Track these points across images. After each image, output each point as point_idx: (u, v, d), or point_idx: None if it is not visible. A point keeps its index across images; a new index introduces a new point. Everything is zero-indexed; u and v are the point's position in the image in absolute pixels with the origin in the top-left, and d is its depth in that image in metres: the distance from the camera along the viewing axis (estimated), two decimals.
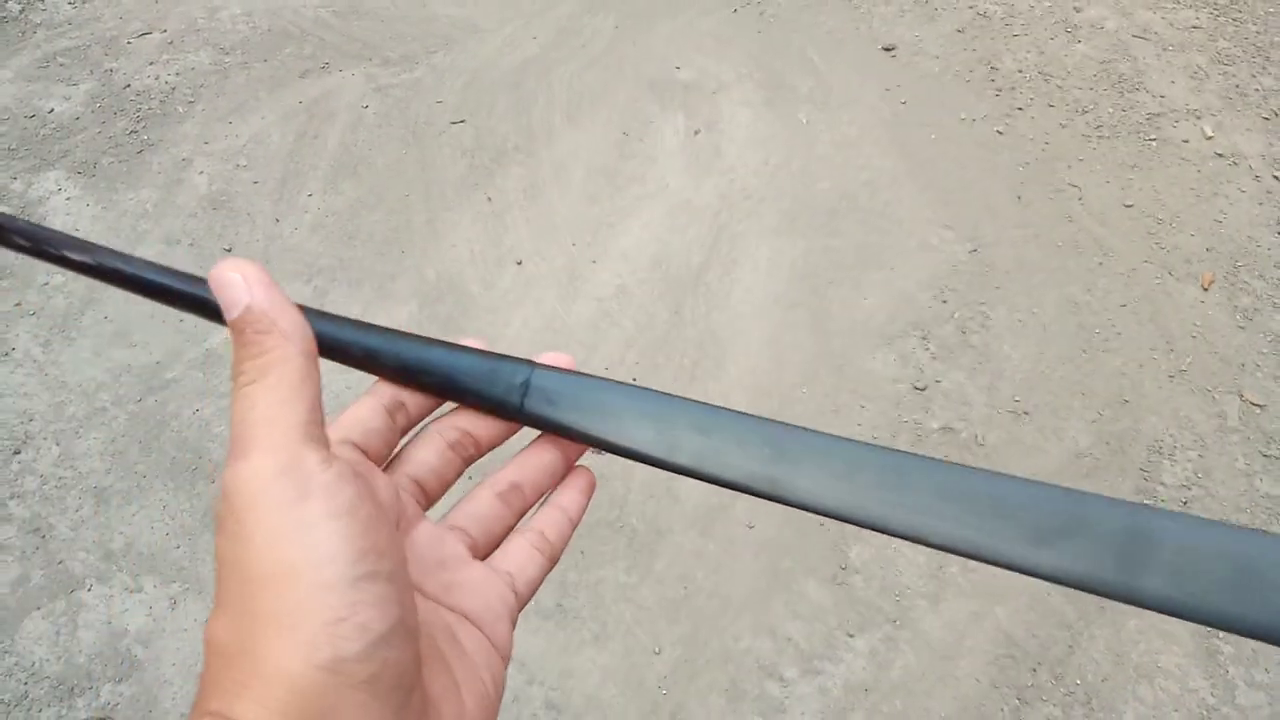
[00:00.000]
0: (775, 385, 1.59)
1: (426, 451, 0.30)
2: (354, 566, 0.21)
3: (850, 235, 1.81)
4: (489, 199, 1.88)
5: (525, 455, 0.32)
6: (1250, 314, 1.70)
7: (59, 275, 1.76)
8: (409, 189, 1.90)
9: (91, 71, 2.12)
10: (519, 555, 0.30)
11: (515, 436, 0.33)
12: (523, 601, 0.30)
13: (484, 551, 0.31)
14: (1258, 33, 2.18)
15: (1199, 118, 2.01)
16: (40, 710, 1.28)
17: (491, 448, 0.32)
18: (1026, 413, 1.56)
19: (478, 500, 0.31)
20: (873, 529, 0.29)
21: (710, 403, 0.31)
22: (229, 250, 1.80)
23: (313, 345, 0.24)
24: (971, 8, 2.27)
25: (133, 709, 1.28)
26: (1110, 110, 2.03)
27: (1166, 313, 1.70)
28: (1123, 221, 1.84)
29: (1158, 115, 2.02)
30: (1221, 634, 1.33)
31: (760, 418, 0.31)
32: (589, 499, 0.33)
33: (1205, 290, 1.73)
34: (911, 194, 1.89)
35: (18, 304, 1.71)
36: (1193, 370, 1.62)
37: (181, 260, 1.78)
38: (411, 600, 0.23)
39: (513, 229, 1.83)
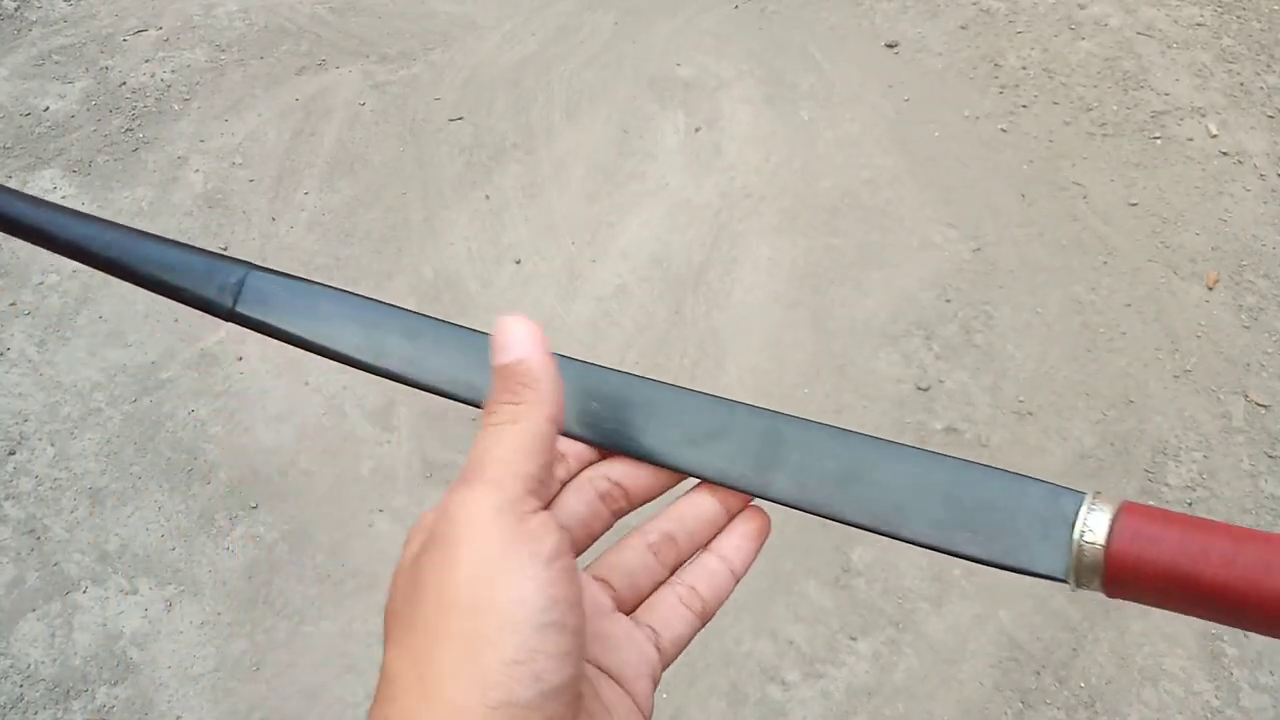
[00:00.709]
0: (776, 385, 1.58)
1: (576, 500, 0.29)
2: (543, 613, 0.22)
3: (852, 234, 1.80)
4: (487, 197, 1.87)
5: (682, 504, 0.30)
6: (1255, 313, 1.68)
7: (54, 275, 1.75)
8: (406, 187, 1.89)
9: (87, 69, 2.11)
10: (666, 610, 0.29)
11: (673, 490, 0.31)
12: (667, 660, 0.28)
13: (629, 605, 0.29)
14: (1263, 30, 2.17)
15: (1204, 116, 2.00)
16: (35, 713, 1.27)
17: (644, 502, 0.30)
18: (1030, 413, 1.55)
19: (626, 550, 0.29)
20: (562, 434, 0.30)
21: (422, 312, 0.32)
22: (225, 249, 1.79)
23: (561, 411, 0.26)
24: (975, 4, 2.26)
25: (128, 712, 1.27)
26: (1114, 108, 2.02)
27: (1171, 312, 1.69)
28: (1127, 220, 1.83)
29: (1162, 113, 2.00)
30: (1226, 637, 1.32)
31: (465, 327, 0.31)
32: (759, 547, 0.30)
33: (1210, 290, 1.72)
34: (914, 192, 1.87)
35: (12, 303, 1.70)
36: (1197, 370, 1.60)
37: None
38: (583, 661, 0.23)
39: (511, 227, 1.82)
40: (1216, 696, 1.27)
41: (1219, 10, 2.22)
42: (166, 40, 2.18)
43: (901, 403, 1.56)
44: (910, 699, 1.27)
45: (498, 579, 0.22)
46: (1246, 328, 1.66)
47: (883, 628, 1.32)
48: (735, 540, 0.30)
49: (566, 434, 0.30)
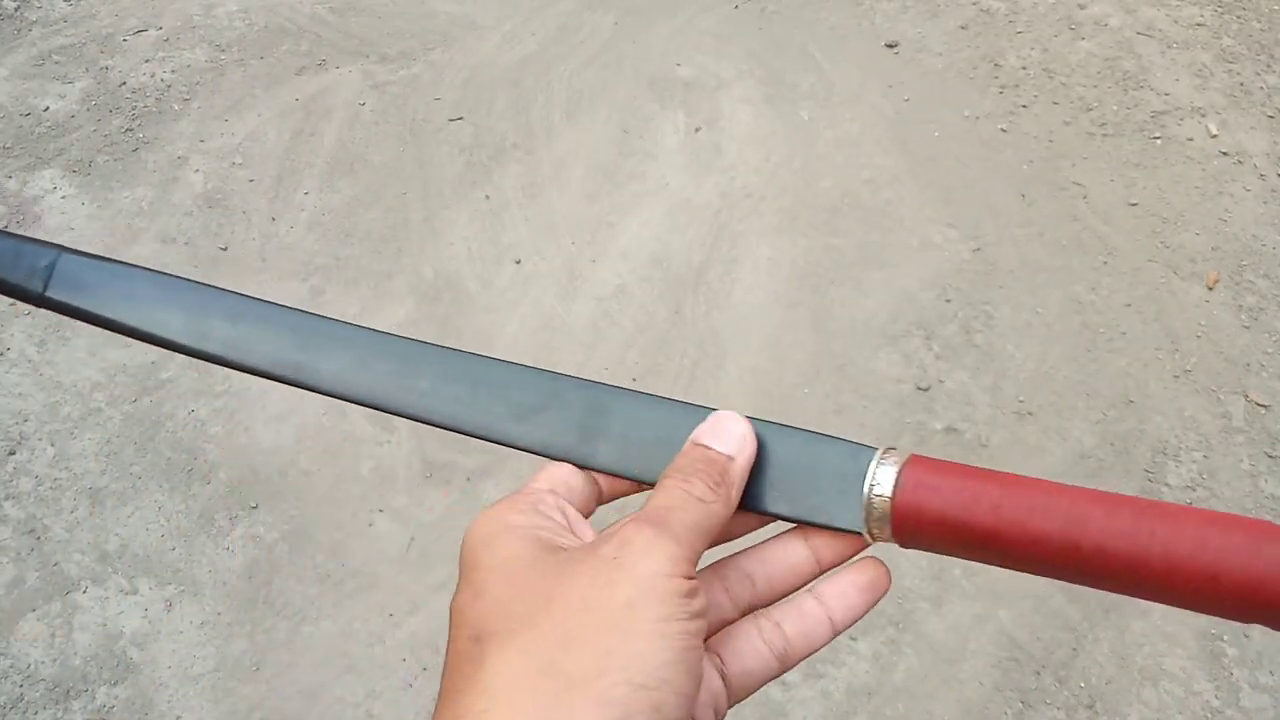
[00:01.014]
0: (776, 385, 1.58)
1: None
2: (681, 653, 0.22)
3: (852, 234, 1.80)
4: (487, 197, 1.87)
5: (769, 545, 0.29)
6: (1255, 313, 1.68)
7: None
8: (406, 187, 1.89)
9: (87, 69, 2.11)
10: (740, 642, 0.27)
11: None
12: (735, 697, 0.27)
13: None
14: (1263, 30, 2.17)
15: (1203, 116, 2.00)
16: (35, 713, 1.27)
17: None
18: (1031, 413, 1.55)
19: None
20: (388, 412, 0.31)
21: (245, 293, 0.32)
22: (225, 249, 1.79)
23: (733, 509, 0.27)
24: (975, 4, 2.26)
25: (128, 712, 1.27)
26: (1114, 108, 2.02)
27: (1171, 312, 1.69)
28: (1127, 220, 1.83)
29: (1162, 113, 2.00)
30: (1226, 637, 1.32)
31: (290, 308, 0.31)
32: (871, 601, 0.28)
33: (1210, 290, 1.72)
34: (914, 192, 1.87)
35: (12, 303, 1.70)
36: (1197, 370, 1.60)
37: (177, 259, 1.77)
38: (691, 715, 0.23)
39: (511, 227, 1.82)
40: (1216, 696, 1.27)
41: (1219, 10, 2.22)
42: (166, 40, 2.18)
43: (901, 403, 1.56)
44: (910, 699, 1.27)
45: (650, 610, 0.22)
46: (1246, 328, 1.66)
47: (883, 628, 1.32)
48: (841, 587, 0.28)
49: (398, 414, 0.31)
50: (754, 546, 0.29)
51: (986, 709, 1.26)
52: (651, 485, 0.28)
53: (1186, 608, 0.24)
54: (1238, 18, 2.20)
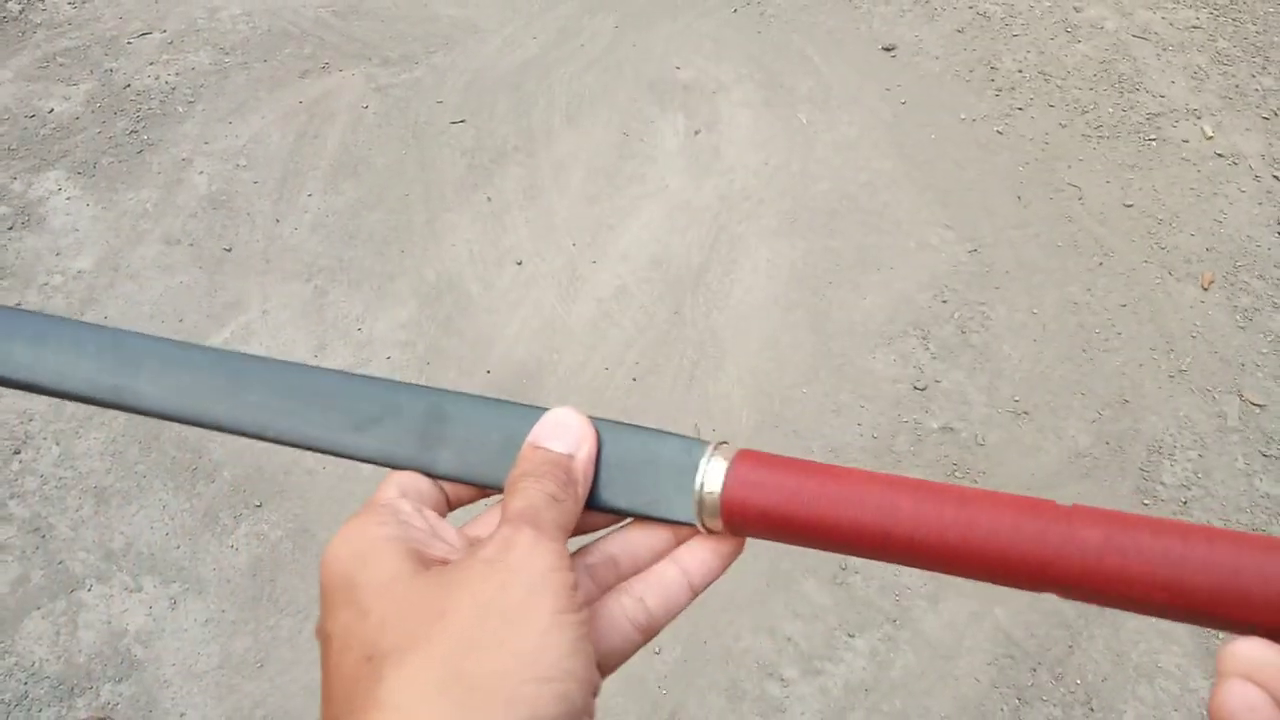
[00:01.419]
0: (775, 385, 1.59)
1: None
2: (578, 642, 0.23)
3: (850, 236, 1.81)
4: (489, 199, 1.88)
5: (631, 530, 0.30)
6: (1250, 314, 1.70)
7: (59, 276, 1.76)
8: (409, 189, 1.90)
9: (91, 71, 2.12)
10: (604, 622, 0.28)
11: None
12: (605, 674, 0.28)
13: None
14: (1257, 32, 2.19)
15: (1199, 117, 2.01)
16: (40, 710, 1.28)
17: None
18: (1026, 413, 1.56)
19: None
20: (218, 429, 0.30)
21: (51, 314, 0.31)
22: (229, 250, 1.80)
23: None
24: (971, 8, 2.27)
25: (132, 709, 1.28)
26: (1110, 110, 2.03)
27: (1166, 313, 1.70)
28: (1123, 221, 1.84)
29: (1157, 115, 2.02)
30: (1222, 635, 1.33)
31: (102, 326, 0.30)
32: (729, 563, 0.29)
33: (1205, 290, 1.73)
34: (911, 194, 1.89)
35: (17, 304, 1.71)
36: (1192, 370, 1.62)
37: (181, 260, 1.78)
38: (593, 694, 0.24)
39: (512, 229, 1.83)
40: None
41: (1214, 13, 2.23)
42: (171, 43, 2.20)
43: (898, 402, 1.57)
44: (907, 695, 1.28)
45: (546, 604, 0.23)
46: (1241, 328, 1.67)
47: (880, 625, 1.33)
48: (701, 554, 0.29)
49: (229, 431, 0.30)
50: (616, 530, 0.30)
51: (983, 705, 1.27)
52: (495, 489, 0.28)
53: (989, 582, 0.25)
54: (1233, 20, 2.22)
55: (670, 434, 0.29)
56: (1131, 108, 2.03)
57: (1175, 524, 0.24)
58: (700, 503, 0.27)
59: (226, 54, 2.18)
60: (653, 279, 1.75)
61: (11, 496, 1.47)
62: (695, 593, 0.29)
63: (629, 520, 0.30)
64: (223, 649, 1.32)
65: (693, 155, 1.96)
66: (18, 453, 1.52)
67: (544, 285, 1.74)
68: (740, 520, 0.27)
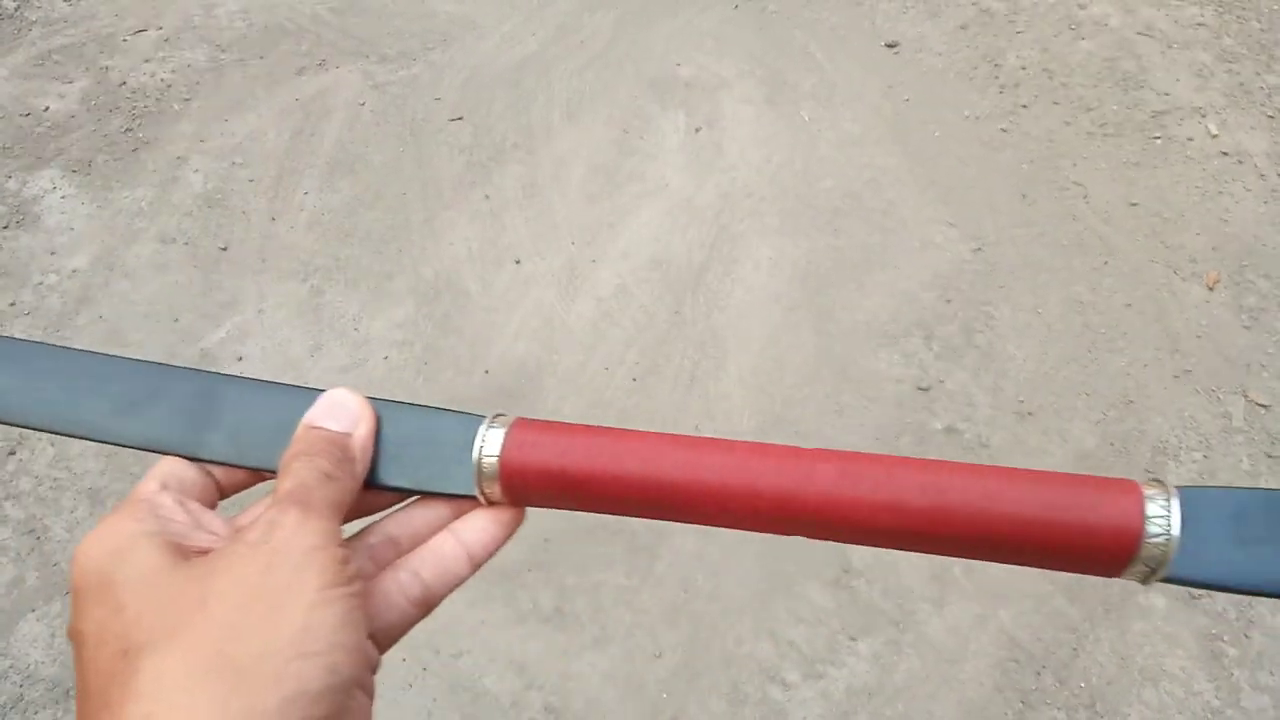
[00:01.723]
0: (777, 386, 1.58)
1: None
2: (346, 614, 0.23)
3: (853, 234, 1.80)
4: (487, 197, 1.87)
5: (413, 509, 0.29)
6: (1256, 314, 1.68)
7: (53, 275, 1.75)
8: (406, 187, 1.89)
9: (87, 69, 2.11)
10: (378, 600, 0.28)
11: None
12: (384, 649, 0.28)
13: None
14: (1263, 30, 2.17)
15: (1204, 116, 2.00)
16: (36, 713, 1.26)
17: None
18: (1031, 413, 1.55)
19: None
20: None
21: None
22: (224, 249, 1.79)
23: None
24: (975, 4, 2.26)
25: None
26: (1115, 108, 2.02)
27: (1171, 312, 1.68)
28: (1127, 220, 1.83)
29: (1162, 113, 2.00)
30: (1226, 637, 1.32)
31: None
32: (508, 535, 0.29)
33: (1210, 290, 1.72)
34: (914, 192, 1.87)
35: (12, 303, 1.70)
36: (1198, 370, 1.60)
37: (177, 259, 1.77)
38: (367, 661, 0.25)
39: (511, 228, 1.82)
40: (1217, 697, 1.27)
41: (1219, 10, 2.21)
42: (167, 40, 2.18)
43: (902, 403, 1.56)
44: (911, 699, 1.27)
45: (313, 581, 0.23)
46: (1247, 328, 1.66)
47: (883, 628, 1.32)
48: (480, 522, 0.29)
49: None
50: (396, 510, 0.30)
51: (987, 709, 1.26)
52: (271, 473, 0.28)
53: (741, 528, 0.27)
54: (1238, 18, 2.20)
55: (452, 411, 0.29)
56: (1136, 105, 2.02)
57: (903, 458, 0.26)
58: (479, 471, 0.28)
59: (223, 51, 2.16)
60: (653, 278, 1.73)
61: (6, 498, 1.46)
62: (475, 563, 0.29)
63: (413, 499, 0.29)
64: None
65: (694, 153, 1.94)
66: (13, 453, 1.51)
67: (543, 284, 1.72)
68: (519, 483, 0.28)
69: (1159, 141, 1.96)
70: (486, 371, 1.60)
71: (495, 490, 0.28)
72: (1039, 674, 1.29)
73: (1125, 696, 1.27)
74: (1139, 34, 2.16)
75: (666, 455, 0.27)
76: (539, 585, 1.36)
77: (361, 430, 0.28)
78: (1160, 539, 0.24)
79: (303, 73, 2.11)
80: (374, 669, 0.26)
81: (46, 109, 2.02)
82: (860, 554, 1.39)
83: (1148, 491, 0.25)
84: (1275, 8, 2.22)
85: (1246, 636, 1.32)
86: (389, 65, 2.12)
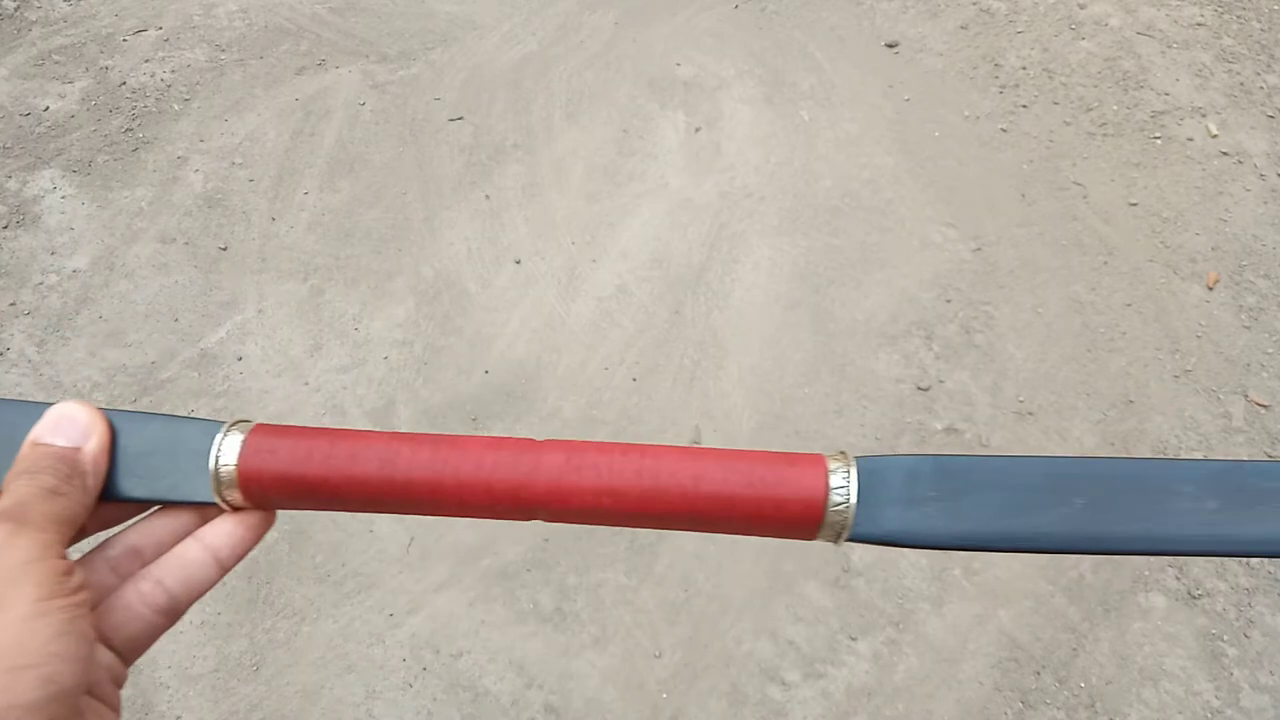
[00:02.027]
0: (777, 385, 1.58)
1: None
2: (66, 624, 0.23)
3: (852, 234, 1.80)
4: (487, 197, 1.87)
5: (155, 519, 0.29)
6: (1256, 314, 1.68)
7: (53, 275, 1.75)
8: (406, 187, 1.89)
9: (87, 69, 2.11)
10: (119, 613, 0.28)
11: None
12: (130, 661, 0.28)
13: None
14: (1262, 30, 2.17)
15: (1204, 116, 2.00)
16: None
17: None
18: (1031, 413, 1.55)
19: (85, 567, 0.29)
20: None
21: None
22: (224, 249, 1.79)
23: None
24: (975, 4, 2.26)
25: (128, 712, 1.27)
26: (1115, 108, 2.02)
27: (1171, 312, 1.68)
28: (1127, 220, 1.83)
29: (1162, 113, 2.00)
30: (1226, 637, 1.32)
31: None
32: (260, 535, 0.29)
33: (1210, 289, 1.72)
34: (914, 192, 1.87)
35: (12, 303, 1.70)
36: (1198, 370, 1.60)
37: (177, 259, 1.77)
38: (92, 665, 0.25)
39: (511, 227, 1.82)
40: (1216, 696, 1.27)
41: (1219, 10, 2.21)
42: (166, 40, 2.18)
43: (901, 403, 1.56)
44: (910, 699, 1.27)
45: (25, 594, 0.23)
46: (1247, 328, 1.66)
47: (883, 628, 1.32)
48: (226, 526, 0.29)
49: None
50: (139, 520, 0.29)
51: (986, 709, 1.26)
52: None
53: (480, 517, 0.28)
54: (1238, 18, 2.20)
55: (190, 419, 0.29)
56: (1136, 105, 2.02)
57: (624, 445, 0.29)
58: (218, 478, 0.28)
59: (222, 51, 2.16)
60: (653, 278, 1.73)
61: None
62: (224, 568, 0.29)
63: (155, 508, 0.29)
64: (218, 651, 1.31)
65: (693, 153, 1.94)
66: None
67: (543, 284, 1.72)
68: (257, 488, 0.28)
69: (1159, 141, 1.96)
70: (486, 371, 1.60)
71: (236, 496, 0.28)
72: (1038, 674, 1.29)
73: (1125, 696, 1.27)
74: (1139, 34, 2.16)
75: (402, 455, 0.28)
76: (539, 585, 1.36)
77: (92, 444, 0.27)
78: (841, 506, 0.27)
79: (303, 72, 2.11)
80: (118, 681, 0.26)
81: (46, 109, 2.02)
82: (860, 553, 1.39)
83: (831, 465, 0.28)
84: (1275, 8, 2.22)
85: (1246, 636, 1.32)
86: (389, 65, 2.12)
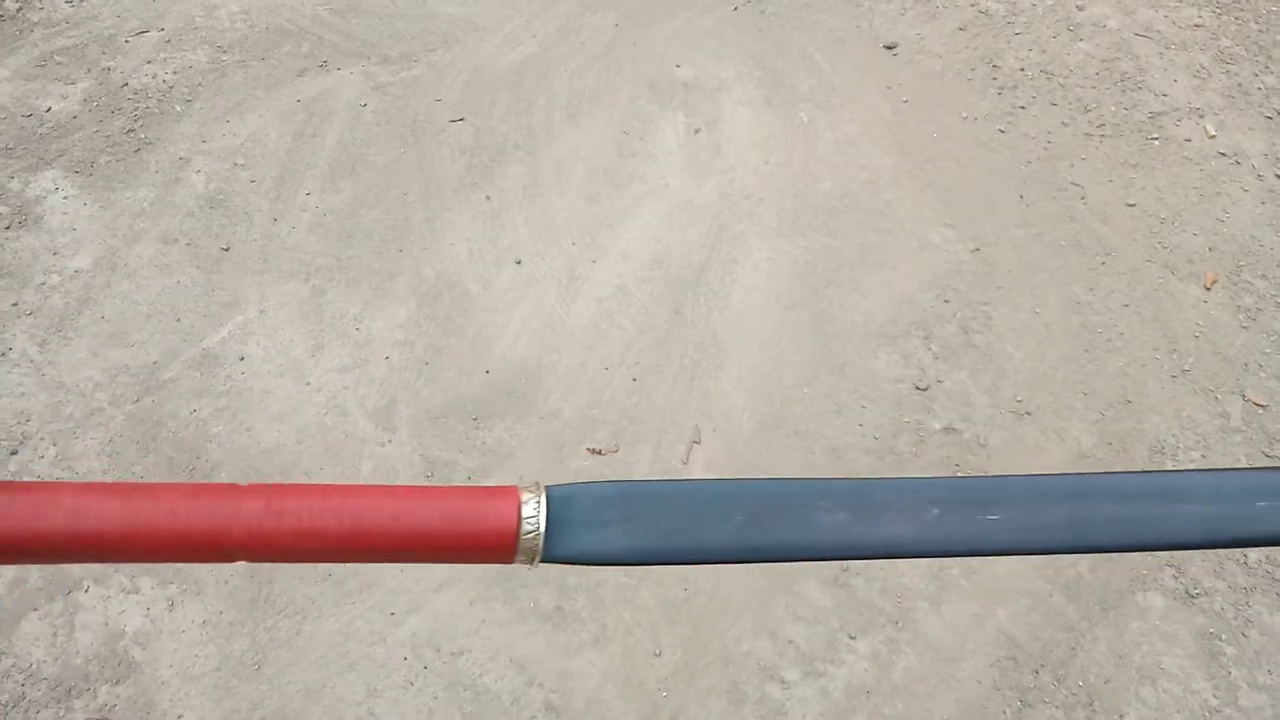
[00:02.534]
0: (776, 385, 1.58)
1: None
2: None
3: (851, 235, 1.81)
4: (488, 198, 1.87)
5: None
6: (1253, 314, 1.69)
7: (55, 275, 1.75)
8: (407, 188, 1.89)
9: (89, 70, 2.11)
10: None
11: None
12: None
13: None
14: (1260, 31, 2.18)
15: (1201, 116, 2.00)
16: (37, 711, 1.27)
17: None
18: (1029, 413, 1.55)
19: None
20: None
21: None
22: (226, 250, 1.79)
23: None
24: (973, 5, 2.26)
25: (130, 710, 1.27)
26: (1112, 109, 2.03)
27: (1169, 312, 1.69)
28: (1125, 221, 1.83)
29: (1160, 114, 2.01)
30: (1224, 636, 1.33)
31: None
32: None
33: (1208, 290, 1.72)
34: (913, 193, 1.88)
35: (14, 304, 1.70)
36: (1195, 370, 1.61)
37: (179, 259, 1.77)
38: None
39: (512, 228, 1.82)
40: (1215, 695, 1.28)
41: (1217, 11, 2.22)
42: (168, 41, 2.19)
43: (900, 403, 1.56)
44: (909, 698, 1.27)
45: None
46: (1244, 328, 1.67)
47: (882, 627, 1.33)
48: None
49: None
50: None
51: (985, 708, 1.27)
52: None
53: (183, 561, 0.29)
54: (1235, 19, 2.21)
55: None
56: (1134, 106, 2.02)
57: (324, 486, 0.30)
58: None
59: (224, 52, 2.17)
60: (653, 278, 1.74)
61: None
62: None
63: None
64: (220, 650, 1.31)
65: (693, 154, 1.95)
66: (15, 453, 1.51)
67: (544, 284, 1.73)
68: None
69: (1156, 142, 1.96)
70: (487, 371, 1.61)
71: None
72: (1037, 672, 1.29)
73: (1123, 695, 1.28)
74: (1137, 35, 2.17)
75: (93, 508, 0.28)
76: (539, 584, 1.37)
77: None
78: (532, 534, 0.30)
79: (304, 74, 2.11)
80: None
81: (49, 110, 2.03)
82: None
83: (524, 496, 0.30)
84: (1273, 9, 2.23)
85: (1244, 635, 1.33)
86: (390, 66, 2.13)
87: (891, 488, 0.31)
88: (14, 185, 1.89)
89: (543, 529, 0.30)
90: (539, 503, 0.30)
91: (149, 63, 2.14)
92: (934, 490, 0.30)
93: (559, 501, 0.30)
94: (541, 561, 0.30)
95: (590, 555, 0.30)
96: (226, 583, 1.37)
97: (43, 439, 1.53)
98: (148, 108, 2.04)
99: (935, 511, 0.30)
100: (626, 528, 0.30)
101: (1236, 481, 0.30)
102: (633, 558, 0.30)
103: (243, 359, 1.62)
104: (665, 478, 0.32)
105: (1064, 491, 0.30)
